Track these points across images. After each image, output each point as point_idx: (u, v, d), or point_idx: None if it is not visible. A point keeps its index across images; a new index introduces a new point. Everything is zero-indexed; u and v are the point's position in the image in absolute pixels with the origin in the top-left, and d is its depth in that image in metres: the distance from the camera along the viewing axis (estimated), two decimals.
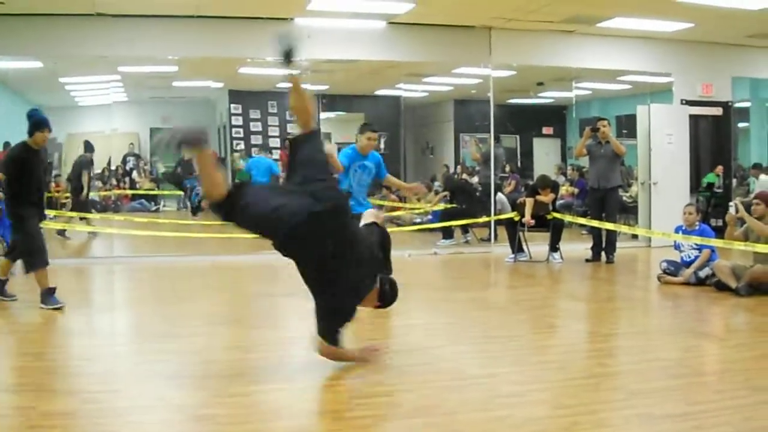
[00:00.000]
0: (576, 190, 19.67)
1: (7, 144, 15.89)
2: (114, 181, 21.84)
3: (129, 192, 21.71)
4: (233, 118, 20.91)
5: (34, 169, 9.89)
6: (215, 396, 6.11)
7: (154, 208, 21.12)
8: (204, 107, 22.47)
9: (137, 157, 22.77)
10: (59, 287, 9.82)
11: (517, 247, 14.56)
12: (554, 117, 24.25)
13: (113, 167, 21.98)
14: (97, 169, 21.60)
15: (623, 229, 15.25)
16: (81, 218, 16.84)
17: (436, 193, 19.15)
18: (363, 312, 6.89)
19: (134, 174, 22.51)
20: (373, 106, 23.42)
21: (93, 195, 20.93)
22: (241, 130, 20.98)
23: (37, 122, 9.89)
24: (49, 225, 15.51)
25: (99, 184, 21.68)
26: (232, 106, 20.92)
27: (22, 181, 9.79)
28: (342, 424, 5.72)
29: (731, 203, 12.01)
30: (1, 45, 14.11)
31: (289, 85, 6.38)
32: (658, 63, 17.21)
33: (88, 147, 17.53)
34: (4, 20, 13.62)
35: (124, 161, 22.41)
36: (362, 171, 10.44)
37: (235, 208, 6.12)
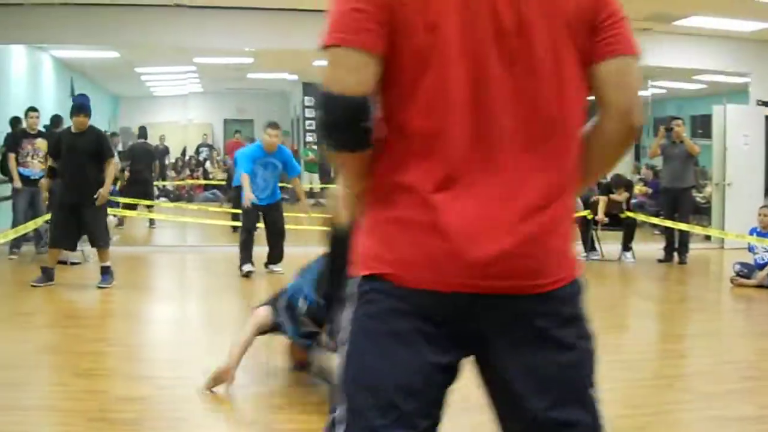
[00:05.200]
0: (650, 190, 19.48)
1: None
2: (188, 171, 22.09)
3: (202, 182, 21.90)
4: (306, 110, 20.99)
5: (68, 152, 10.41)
6: (288, 385, 6.16)
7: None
8: (278, 99, 22.59)
9: (211, 147, 23.01)
10: (128, 275, 9.97)
11: (589, 246, 14.49)
12: None
13: (187, 157, 22.24)
14: (171, 159, 21.91)
15: (696, 230, 15.10)
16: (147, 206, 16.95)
17: None
18: None
19: (207, 164, 22.74)
20: None
21: (168, 184, 21.22)
22: (314, 122, 21.07)
23: (72, 107, 10.52)
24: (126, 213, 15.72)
25: (172, 173, 21.95)
26: (305, 98, 21.01)
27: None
28: None
29: None
30: (78, 34, 14.31)
31: None
32: (734, 62, 16.99)
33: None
34: (82, 10, 13.79)
35: (198, 151, 22.64)
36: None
37: None
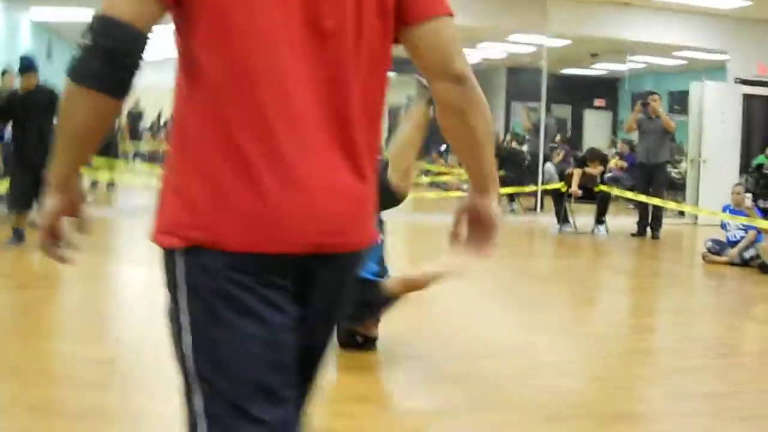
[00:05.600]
0: (625, 164, 19.50)
1: None
2: (162, 135, 22.03)
3: None
4: None
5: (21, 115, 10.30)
6: None
7: None
8: None
9: None
10: (98, 238, 9.92)
11: (563, 218, 14.50)
12: (607, 89, 24.09)
13: (162, 121, 22.16)
14: (147, 122, 21.85)
15: (670, 205, 15.14)
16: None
17: None
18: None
19: None
20: None
21: (143, 147, 21.18)
22: None
23: (22, 66, 10.40)
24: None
25: (148, 136, 21.91)
26: None
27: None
28: (378, 386, 5.74)
29: None
30: None
31: None
32: (713, 40, 17.00)
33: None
34: None
35: None
36: None
37: None
